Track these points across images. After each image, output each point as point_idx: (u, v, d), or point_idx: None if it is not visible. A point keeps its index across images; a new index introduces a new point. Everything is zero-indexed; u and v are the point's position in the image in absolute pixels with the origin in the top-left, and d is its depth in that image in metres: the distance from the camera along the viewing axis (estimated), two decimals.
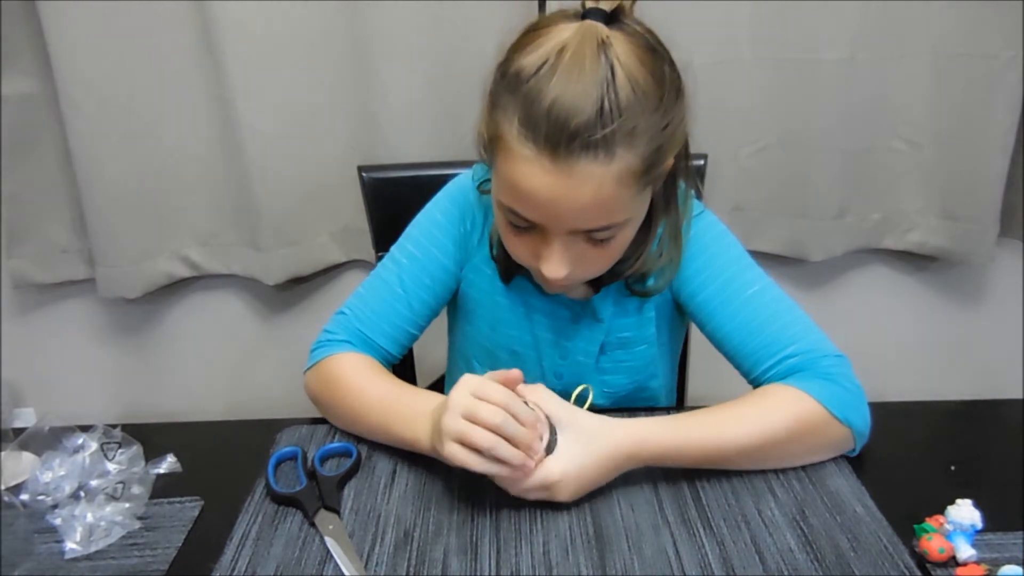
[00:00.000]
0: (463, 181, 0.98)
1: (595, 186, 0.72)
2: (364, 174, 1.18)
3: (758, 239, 1.55)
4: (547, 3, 1.36)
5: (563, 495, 0.76)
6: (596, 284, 0.93)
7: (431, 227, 0.96)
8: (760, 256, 1.58)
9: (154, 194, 1.49)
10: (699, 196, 0.95)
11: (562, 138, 0.70)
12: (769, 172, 1.50)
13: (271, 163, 1.45)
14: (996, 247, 1.52)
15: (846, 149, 1.47)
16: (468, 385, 0.74)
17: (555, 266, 0.79)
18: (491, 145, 0.77)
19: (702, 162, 1.19)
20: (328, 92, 1.44)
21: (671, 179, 0.84)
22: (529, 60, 0.72)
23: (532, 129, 0.71)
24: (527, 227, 0.79)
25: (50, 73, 1.38)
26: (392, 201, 1.16)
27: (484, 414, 0.71)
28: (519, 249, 0.83)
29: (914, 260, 1.62)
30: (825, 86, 1.42)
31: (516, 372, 0.77)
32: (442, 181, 1.01)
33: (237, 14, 1.35)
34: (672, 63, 0.78)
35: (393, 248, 0.98)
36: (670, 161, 0.79)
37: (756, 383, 0.87)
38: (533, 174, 0.73)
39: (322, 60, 1.42)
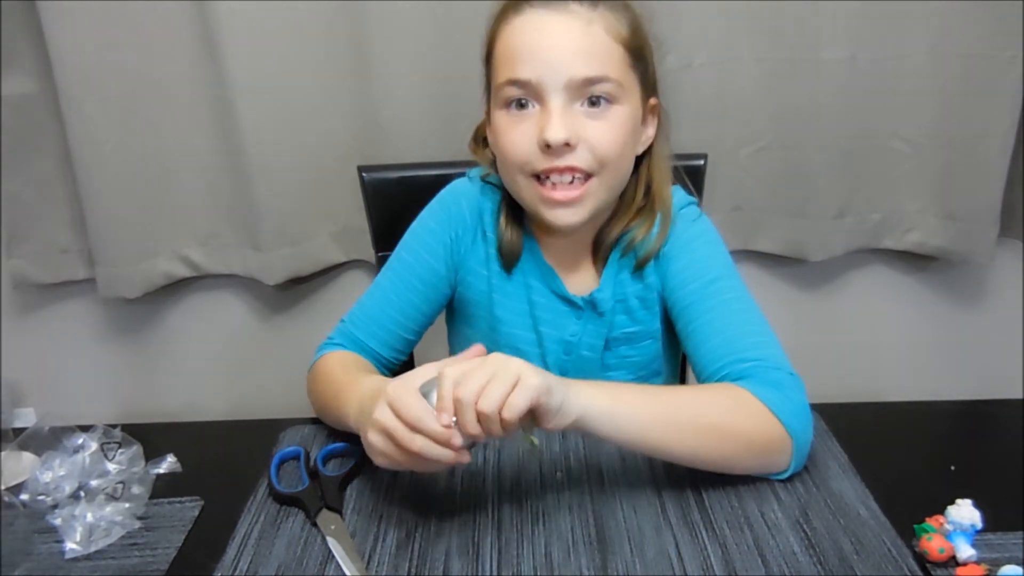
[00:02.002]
0: (456, 187, 1.00)
1: (584, 23, 0.82)
2: (364, 174, 1.18)
3: (758, 239, 1.56)
4: None
5: (515, 363, 0.69)
6: (595, 257, 0.95)
7: (423, 233, 0.98)
8: (760, 256, 1.60)
9: (154, 194, 1.49)
10: (689, 191, 0.99)
11: None
12: (769, 172, 1.50)
13: (271, 163, 1.45)
14: (996, 247, 1.52)
15: (846, 149, 1.47)
16: (387, 397, 0.69)
17: (556, 127, 0.81)
18: (488, 55, 0.88)
19: (702, 162, 1.19)
20: (328, 92, 1.44)
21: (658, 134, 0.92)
22: None
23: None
24: (525, 105, 0.84)
25: (50, 73, 1.38)
26: (392, 201, 1.16)
27: (401, 435, 0.68)
28: (521, 139, 0.84)
29: (914, 260, 1.61)
30: (825, 86, 1.42)
31: (477, 348, 0.74)
32: (442, 181, 1.01)
33: (237, 14, 1.35)
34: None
35: (392, 255, 1.00)
36: (653, 99, 0.90)
37: (706, 383, 0.85)
38: (528, 23, 0.83)
39: (322, 60, 1.41)
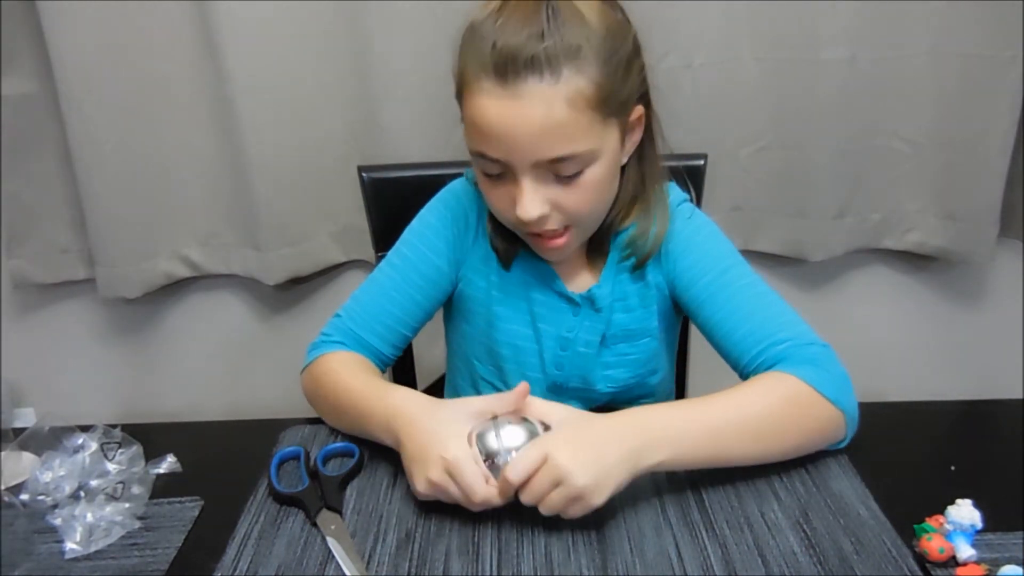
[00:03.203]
0: (456, 186, 1.00)
1: (545, 107, 0.76)
2: (364, 174, 1.18)
3: (758, 239, 1.55)
4: None
5: (580, 477, 0.70)
6: (591, 262, 0.96)
7: (424, 230, 0.98)
8: (760, 256, 1.59)
9: (154, 194, 1.49)
10: (684, 188, 0.98)
11: (508, 63, 0.76)
12: (769, 172, 1.50)
13: (271, 163, 1.45)
14: (996, 247, 1.52)
15: (846, 149, 1.47)
16: (444, 461, 0.74)
17: (526, 205, 0.81)
18: (459, 98, 0.83)
19: (702, 162, 1.19)
20: (328, 92, 1.44)
21: (647, 133, 0.89)
22: (481, 13, 0.80)
23: (483, 64, 0.77)
24: (499, 174, 0.83)
25: (50, 73, 1.38)
26: (392, 201, 1.17)
27: (452, 492, 0.74)
28: (499, 202, 0.86)
29: (914, 260, 1.62)
30: (825, 86, 1.42)
31: (523, 386, 0.78)
32: (442, 181, 1.02)
33: (237, 14, 1.35)
34: (619, 7, 0.84)
35: (390, 251, 1.00)
36: (638, 108, 0.85)
37: (745, 371, 0.88)
38: (489, 105, 0.78)
39: (322, 60, 1.41)
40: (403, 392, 0.85)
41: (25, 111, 1.44)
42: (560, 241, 0.87)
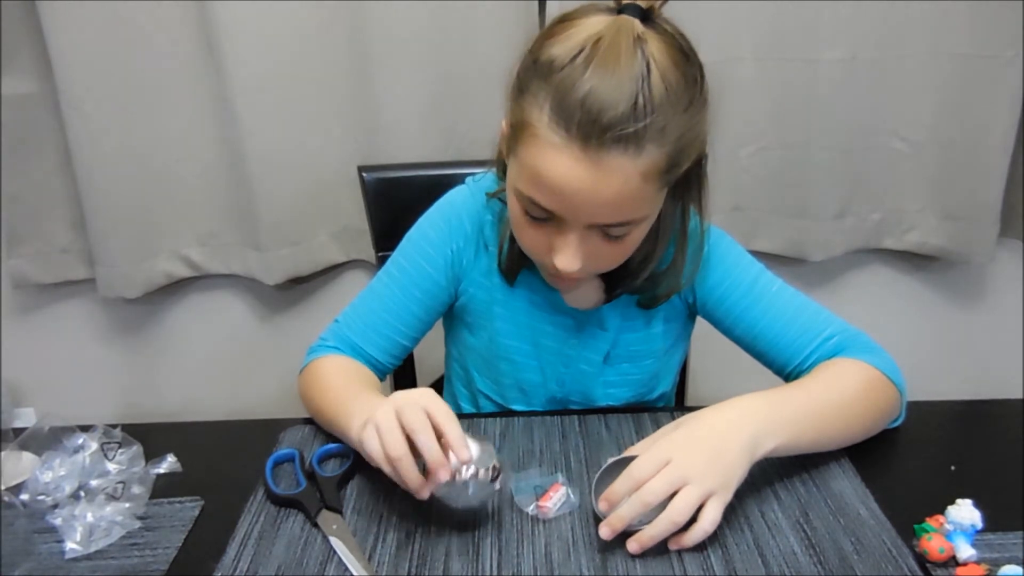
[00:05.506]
0: (455, 198, 0.97)
1: (621, 180, 0.72)
2: (364, 174, 1.19)
3: (758, 239, 1.56)
4: (547, 4, 1.36)
5: (707, 478, 0.71)
6: (607, 293, 0.93)
7: (422, 242, 0.96)
8: (760, 256, 1.57)
9: (154, 194, 1.49)
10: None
11: (595, 129, 0.70)
12: (769, 172, 1.50)
13: (271, 163, 1.45)
14: (996, 247, 1.52)
15: (846, 149, 1.47)
16: (414, 396, 0.73)
17: (569, 259, 0.79)
18: (515, 132, 0.76)
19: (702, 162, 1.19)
20: (328, 93, 1.44)
21: (684, 181, 0.81)
22: (563, 48, 0.72)
23: (564, 117, 0.71)
24: (544, 218, 0.79)
25: (50, 73, 1.38)
26: (392, 201, 1.17)
27: (409, 416, 0.71)
28: (533, 241, 0.83)
29: (914, 260, 1.62)
30: (825, 86, 1.42)
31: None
32: (442, 181, 1.01)
33: (237, 14, 1.35)
34: (702, 69, 0.78)
35: (388, 260, 0.98)
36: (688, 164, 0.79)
37: (795, 372, 0.89)
38: (561, 163, 0.72)
39: (322, 61, 1.42)
40: (363, 399, 0.82)
41: (25, 111, 1.44)
42: (578, 281, 0.85)
